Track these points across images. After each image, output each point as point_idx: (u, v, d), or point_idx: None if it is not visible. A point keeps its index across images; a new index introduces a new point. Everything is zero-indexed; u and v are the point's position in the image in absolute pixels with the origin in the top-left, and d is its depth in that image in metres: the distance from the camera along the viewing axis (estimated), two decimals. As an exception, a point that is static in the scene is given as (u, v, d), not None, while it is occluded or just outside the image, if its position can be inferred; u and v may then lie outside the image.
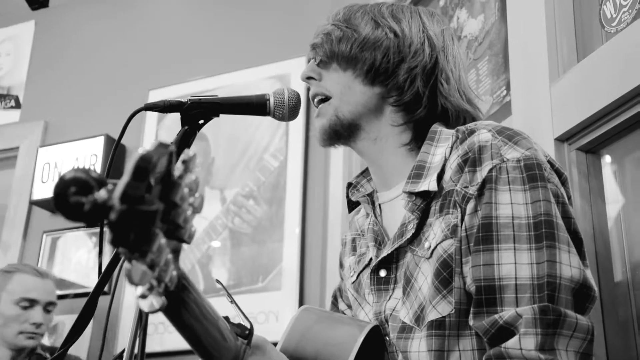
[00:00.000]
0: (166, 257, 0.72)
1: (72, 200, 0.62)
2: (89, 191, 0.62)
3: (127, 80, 3.83)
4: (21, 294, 2.81)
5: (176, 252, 0.78)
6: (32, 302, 2.82)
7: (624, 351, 1.57)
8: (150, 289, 0.72)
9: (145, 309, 0.74)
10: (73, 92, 4.00)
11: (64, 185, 0.62)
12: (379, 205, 1.43)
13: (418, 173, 1.30)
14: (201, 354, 1.01)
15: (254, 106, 1.39)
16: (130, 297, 3.32)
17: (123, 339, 3.22)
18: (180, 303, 0.89)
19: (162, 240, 0.69)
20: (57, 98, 4.03)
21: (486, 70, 2.26)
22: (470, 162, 1.21)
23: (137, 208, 0.61)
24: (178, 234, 0.73)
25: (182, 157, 0.70)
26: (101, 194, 0.62)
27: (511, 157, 1.19)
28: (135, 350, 1.13)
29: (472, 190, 1.19)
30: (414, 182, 1.29)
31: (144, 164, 0.62)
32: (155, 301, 0.74)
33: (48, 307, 2.87)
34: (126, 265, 0.65)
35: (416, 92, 1.34)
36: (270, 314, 3.04)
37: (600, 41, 1.76)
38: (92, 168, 0.63)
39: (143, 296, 0.72)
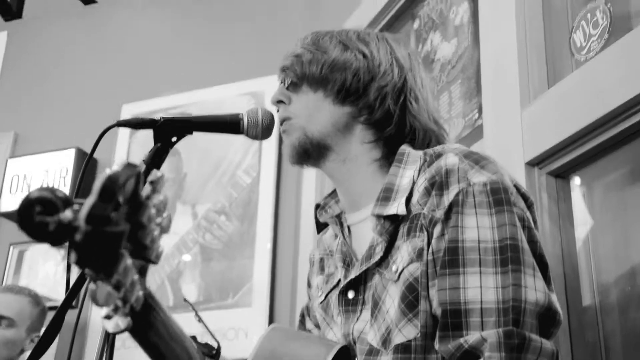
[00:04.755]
0: (132, 277, 0.71)
1: (37, 219, 0.61)
2: (54, 211, 0.61)
3: (100, 93, 3.80)
4: None
5: (143, 272, 0.78)
6: None
7: (589, 375, 1.58)
8: (116, 309, 0.71)
9: (110, 329, 0.73)
10: (44, 104, 3.95)
11: (28, 204, 0.61)
12: (348, 226, 1.44)
13: (386, 196, 1.30)
14: (167, 374, 1.00)
15: (228, 125, 1.40)
16: (98, 312, 3.28)
17: (90, 355, 3.17)
18: (146, 323, 0.88)
19: (129, 260, 0.68)
20: (28, 109, 3.98)
21: (459, 93, 2.28)
22: (437, 185, 1.22)
23: (102, 229, 0.60)
24: (145, 254, 0.73)
25: (150, 177, 0.70)
26: (67, 214, 0.61)
27: (477, 181, 1.20)
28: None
29: (439, 213, 1.20)
30: (383, 205, 1.29)
31: (111, 185, 0.61)
32: (120, 322, 0.73)
33: None
34: (91, 286, 0.64)
35: (387, 110, 1.36)
36: (240, 330, 3.02)
37: (570, 69, 1.79)
38: (58, 187, 0.62)
39: (108, 317, 0.71)
